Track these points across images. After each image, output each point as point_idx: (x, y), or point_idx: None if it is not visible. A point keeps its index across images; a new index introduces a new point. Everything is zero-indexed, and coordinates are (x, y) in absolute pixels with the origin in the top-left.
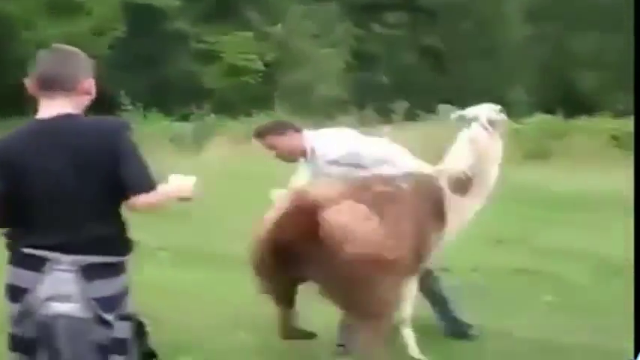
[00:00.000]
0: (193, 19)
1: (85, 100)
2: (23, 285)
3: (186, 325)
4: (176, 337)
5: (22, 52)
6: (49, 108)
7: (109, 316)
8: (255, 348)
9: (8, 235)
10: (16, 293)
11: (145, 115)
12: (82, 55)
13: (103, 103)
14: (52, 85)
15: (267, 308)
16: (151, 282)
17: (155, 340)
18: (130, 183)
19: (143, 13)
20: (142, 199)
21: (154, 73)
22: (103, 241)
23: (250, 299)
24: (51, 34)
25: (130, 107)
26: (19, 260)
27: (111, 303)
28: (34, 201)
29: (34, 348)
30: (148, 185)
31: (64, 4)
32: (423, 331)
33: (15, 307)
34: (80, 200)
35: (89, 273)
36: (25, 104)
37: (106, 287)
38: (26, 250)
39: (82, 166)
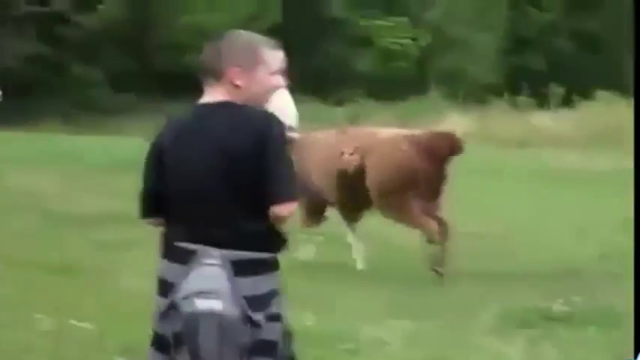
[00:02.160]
0: (349, 5)
1: (236, 90)
2: (170, 279)
3: (341, 313)
4: (335, 325)
5: (180, 37)
6: (206, 95)
7: (257, 316)
8: (409, 333)
9: (164, 227)
10: (163, 287)
11: (299, 100)
12: (232, 41)
13: None
14: (205, 72)
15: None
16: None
17: (314, 329)
18: (269, 189)
19: None
20: (275, 211)
21: (308, 58)
22: (254, 236)
23: (403, 280)
24: (206, 19)
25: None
26: (168, 253)
27: (260, 302)
28: (182, 192)
29: (176, 345)
30: (286, 196)
31: None
32: None
33: (162, 302)
34: (228, 194)
35: (239, 269)
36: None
37: (256, 285)
38: (175, 243)
39: (229, 160)
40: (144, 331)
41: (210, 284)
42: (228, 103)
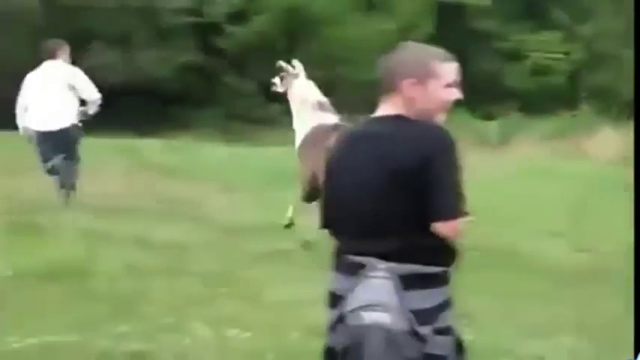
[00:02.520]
0: (502, 18)
1: (409, 103)
2: (339, 291)
3: (500, 328)
4: (494, 340)
5: (331, 49)
6: (380, 108)
7: (424, 330)
8: (570, 350)
9: (335, 239)
10: (333, 300)
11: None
12: (405, 54)
13: None
14: (380, 85)
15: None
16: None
17: (475, 343)
18: (431, 207)
19: (453, 11)
20: (436, 228)
21: (462, 71)
22: (422, 250)
23: (564, 301)
24: (358, 31)
25: None
26: (337, 265)
27: (428, 316)
28: (350, 205)
29: (344, 358)
30: (447, 215)
31: (373, 2)
32: None
33: (331, 314)
34: (395, 207)
35: (406, 282)
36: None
37: (424, 299)
38: (344, 255)
39: (397, 174)
40: (300, 342)
41: (377, 297)
42: (399, 116)
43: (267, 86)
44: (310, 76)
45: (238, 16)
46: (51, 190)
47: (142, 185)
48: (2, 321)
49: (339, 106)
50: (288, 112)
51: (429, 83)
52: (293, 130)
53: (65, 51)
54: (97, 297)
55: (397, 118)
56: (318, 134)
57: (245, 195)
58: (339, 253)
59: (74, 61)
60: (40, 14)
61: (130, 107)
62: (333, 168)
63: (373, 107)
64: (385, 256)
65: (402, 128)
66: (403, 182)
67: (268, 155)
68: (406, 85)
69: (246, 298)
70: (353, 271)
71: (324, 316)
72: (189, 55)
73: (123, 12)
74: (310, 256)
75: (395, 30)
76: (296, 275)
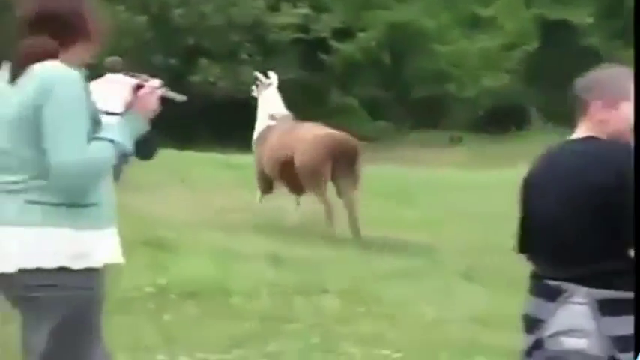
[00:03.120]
0: (607, 36)
1: (600, 125)
2: (537, 316)
3: None
4: None
5: (437, 66)
6: (576, 130)
7: (625, 357)
8: None
9: (532, 263)
10: (529, 324)
11: (552, 131)
12: (600, 75)
13: (512, 119)
14: (576, 107)
15: None
16: None
17: None
18: (627, 229)
19: (556, 29)
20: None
21: (564, 88)
22: (619, 274)
23: None
24: (463, 47)
25: (540, 124)
26: (534, 289)
27: (627, 343)
28: (545, 227)
29: None
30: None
31: (478, 19)
32: None
33: (528, 339)
34: (589, 229)
35: (605, 308)
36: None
37: (622, 325)
38: (542, 279)
39: (589, 196)
40: None
41: (577, 323)
42: (591, 138)
43: (371, 103)
44: (416, 92)
45: (344, 33)
46: (178, 207)
47: (250, 201)
48: (151, 338)
49: (444, 122)
50: (394, 129)
51: (622, 105)
52: (399, 148)
53: (121, 67)
54: (239, 315)
55: (589, 139)
56: (264, 135)
57: (363, 212)
58: (537, 277)
59: (181, 76)
60: (149, 31)
61: (234, 122)
62: (530, 192)
63: (476, 124)
64: (583, 281)
65: (594, 148)
66: (600, 203)
67: (379, 174)
68: (595, 107)
69: (385, 317)
70: (552, 295)
71: (467, 334)
72: (293, 71)
73: (230, 29)
74: (440, 273)
75: (499, 47)
76: (430, 292)
